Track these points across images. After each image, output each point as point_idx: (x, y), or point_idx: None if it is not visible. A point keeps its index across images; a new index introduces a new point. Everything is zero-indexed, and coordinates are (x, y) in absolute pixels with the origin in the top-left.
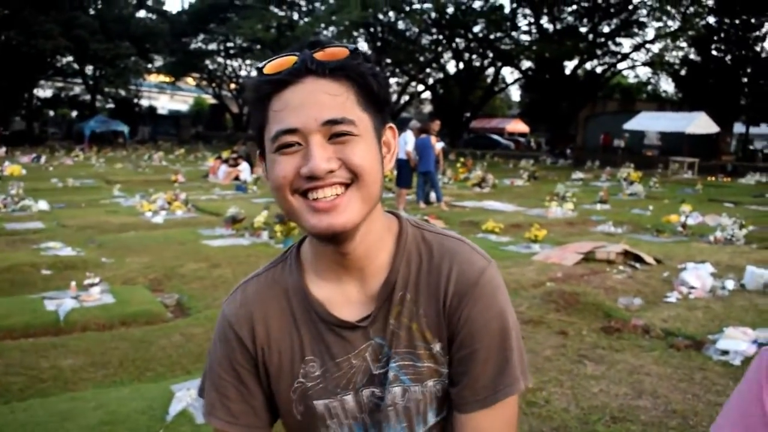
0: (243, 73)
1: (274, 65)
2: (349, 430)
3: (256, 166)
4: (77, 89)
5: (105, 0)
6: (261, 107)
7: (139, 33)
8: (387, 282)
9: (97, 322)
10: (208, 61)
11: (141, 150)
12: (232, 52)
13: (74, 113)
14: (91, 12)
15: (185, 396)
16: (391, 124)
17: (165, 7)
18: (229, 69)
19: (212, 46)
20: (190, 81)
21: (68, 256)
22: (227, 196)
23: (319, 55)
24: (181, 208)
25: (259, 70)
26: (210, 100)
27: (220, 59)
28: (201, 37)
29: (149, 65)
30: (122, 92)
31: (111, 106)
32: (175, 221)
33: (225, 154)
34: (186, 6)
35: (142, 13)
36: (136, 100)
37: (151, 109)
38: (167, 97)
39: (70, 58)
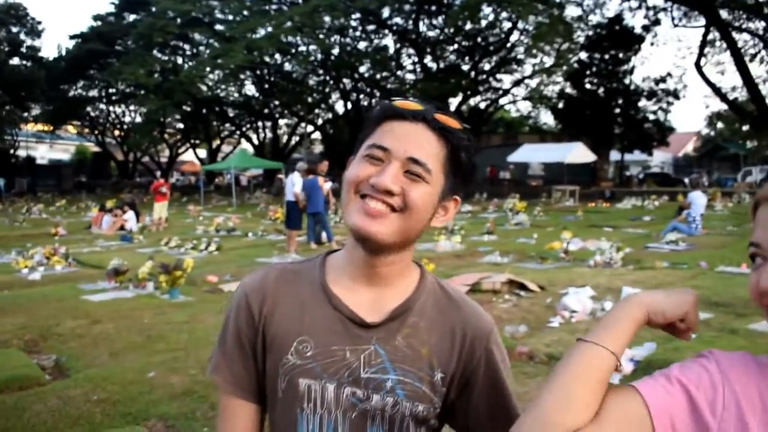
0: (127, 119)
1: (402, 102)
2: (320, 422)
3: (142, 215)
4: None
5: None
6: (376, 122)
7: (12, 81)
8: (404, 305)
9: None
10: (89, 108)
11: (19, 203)
12: (114, 98)
13: None
14: None
15: None
16: (457, 197)
17: (41, 54)
18: (112, 115)
19: (93, 93)
20: (71, 129)
21: None
22: (112, 247)
23: (438, 116)
24: (60, 262)
25: (391, 100)
26: (93, 148)
27: (102, 106)
28: (81, 83)
29: (25, 114)
30: None
31: None
32: (54, 277)
33: (109, 204)
34: (63, 52)
35: (15, 61)
36: (12, 151)
37: (30, 160)
38: (46, 147)
39: None
